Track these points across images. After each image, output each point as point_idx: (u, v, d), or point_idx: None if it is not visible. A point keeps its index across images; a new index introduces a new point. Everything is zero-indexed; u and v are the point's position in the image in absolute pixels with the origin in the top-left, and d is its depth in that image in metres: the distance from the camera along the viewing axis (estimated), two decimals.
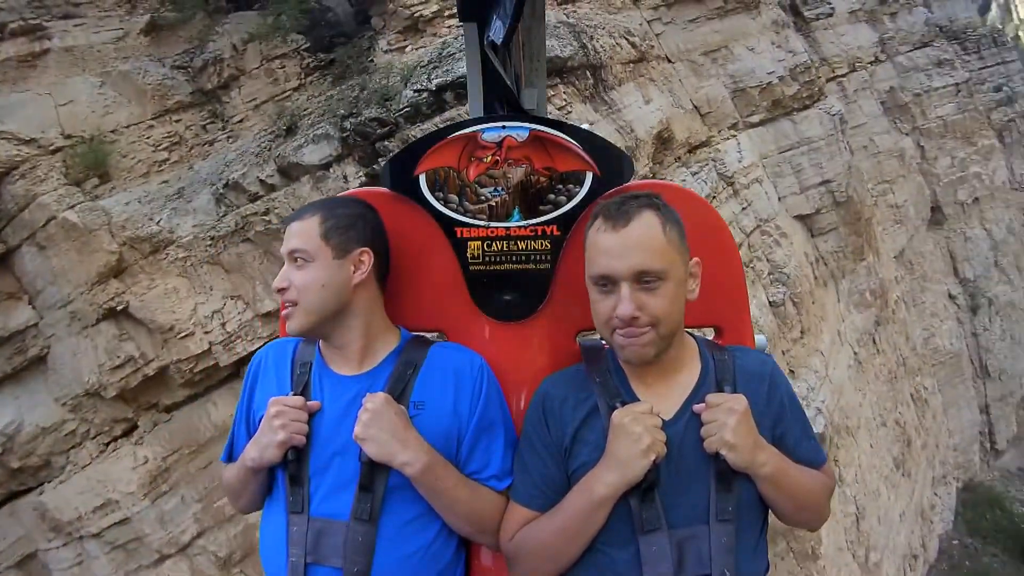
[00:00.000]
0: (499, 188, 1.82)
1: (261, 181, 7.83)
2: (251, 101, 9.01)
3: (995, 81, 22.75)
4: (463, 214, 1.84)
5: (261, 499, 1.75)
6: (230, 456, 1.81)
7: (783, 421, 1.59)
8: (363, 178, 7.49)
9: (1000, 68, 23.07)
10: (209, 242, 7.70)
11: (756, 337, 1.86)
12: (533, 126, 1.81)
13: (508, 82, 1.74)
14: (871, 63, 17.92)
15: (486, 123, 1.83)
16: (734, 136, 11.88)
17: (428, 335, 1.85)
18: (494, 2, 1.69)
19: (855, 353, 13.35)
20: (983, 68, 22.54)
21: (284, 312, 1.69)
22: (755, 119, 12.70)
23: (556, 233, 1.82)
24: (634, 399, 1.56)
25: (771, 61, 12.97)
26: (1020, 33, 50.40)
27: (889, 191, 17.26)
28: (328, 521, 1.60)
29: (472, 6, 1.74)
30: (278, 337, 1.88)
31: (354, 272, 1.69)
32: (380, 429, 1.55)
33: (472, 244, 1.85)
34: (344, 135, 7.66)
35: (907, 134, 19.05)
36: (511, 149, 1.81)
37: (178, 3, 9.09)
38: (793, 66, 13.20)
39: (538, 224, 1.82)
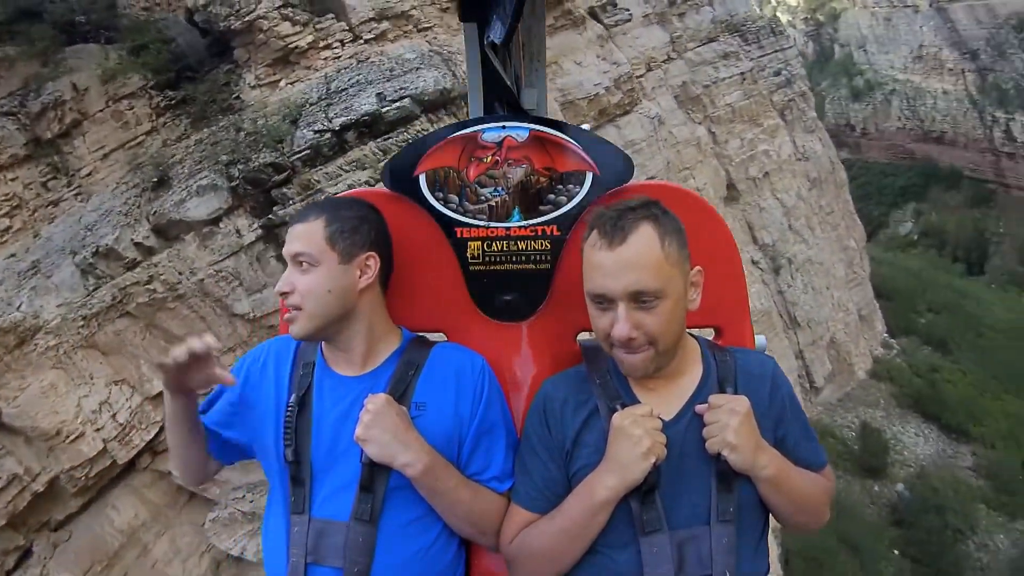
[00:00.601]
0: (499, 188, 1.82)
1: (137, 244, 6.98)
2: (98, 150, 8.07)
3: (775, 67, 24.88)
4: (463, 214, 1.84)
5: (203, 466, 1.81)
6: (208, 409, 1.81)
7: (784, 423, 1.60)
8: (259, 231, 6.87)
9: (779, 55, 25.22)
10: (81, 323, 6.84)
11: (756, 337, 1.88)
12: (533, 126, 1.81)
13: (508, 82, 1.74)
14: (664, 62, 19.26)
15: (486, 123, 1.82)
16: None
17: (429, 336, 1.84)
18: (494, 2, 1.67)
19: None
20: (763, 56, 24.53)
21: (286, 316, 1.65)
22: (584, 128, 13.45)
23: (556, 233, 1.83)
24: (634, 401, 1.57)
25: (597, 73, 13.66)
26: (778, 14, 54.02)
27: (690, 176, 18.59)
28: (329, 522, 1.60)
29: (472, 6, 1.71)
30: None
31: (360, 277, 1.67)
32: (381, 430, 1.55)
33: (472, 244, 1.85)
34: (233, 184, 7.01)
35: (700, 123, 20.58)
36: (511, 149, 1.81)
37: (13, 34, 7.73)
38: (617, 76, 13.90)
39: (538, 224, 1.83)
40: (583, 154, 1.81)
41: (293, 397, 1.67)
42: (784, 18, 56.96)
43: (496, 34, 1.66)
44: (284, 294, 1.62)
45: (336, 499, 1.61)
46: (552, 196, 1.83)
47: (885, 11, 53.55)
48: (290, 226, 1.67)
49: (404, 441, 1.56)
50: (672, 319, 1.49)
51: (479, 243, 1.85)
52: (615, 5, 16.84)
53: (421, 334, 1.82)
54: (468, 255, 1.85)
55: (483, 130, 1.82)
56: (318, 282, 1.62)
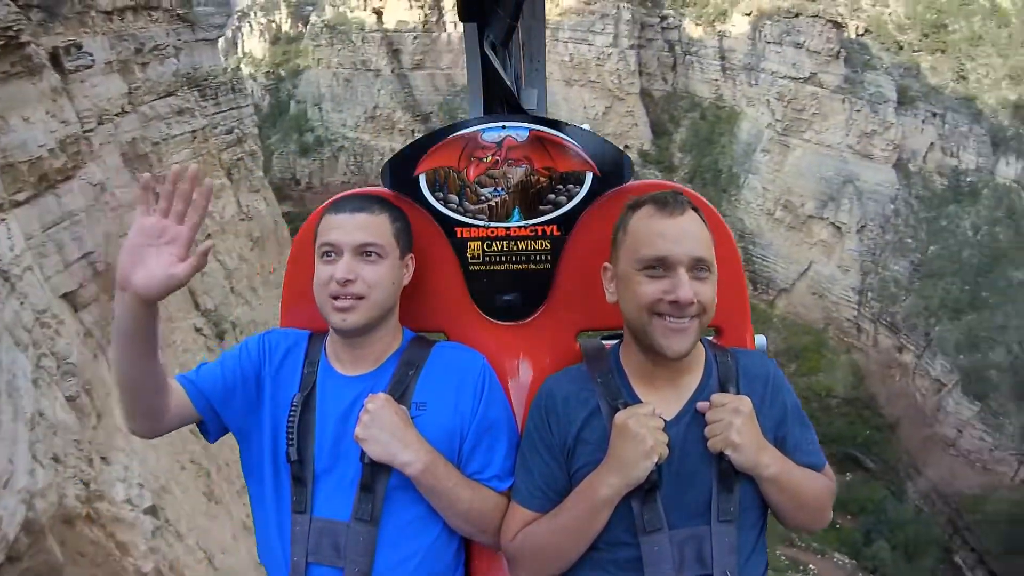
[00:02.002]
0: (499, 188, 1.82)
1: None
2: None
3: (228, 124, 24.27)
4: (463, 214, 1.84)
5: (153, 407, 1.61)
6: (197, 371, 1.72)
7: (785, 423, 1.60)
8: None
9: (234, 112, 24.70)
10: None
11: (756, 338, 1.88)
12: (533, 126, 1.81)
13: (508, 82, 1.74)
14: (117, 115, 17.51)
15: (486, 123, 1.82)
16: (2, 220, 10.18)
17: (430, 335, 1.84)
18: (494, 2, 1.67)
19: None
20: (218, 113, 23.79)
21: (344, 304, 1.61)
22: (22, 197, 11.64)
23: (556, 233, 1.82)
24: (635, 400, 1.57)
25: (44, 132, 12.27)
26: (243, 66, 57.17)
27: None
28: (330, 521, 1.60)
29: (472, 6, 1.71)
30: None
31: (405, 273, 1.71)
32: (380, 429, 1.55)
33: (472, 244, 1.84)
34: None
35: None
36: (511, 149, 1.81)
37: None
38: (64, 136, 12.67)
39: (538, 224, 1.82)
40: (583, 154, 1.81)
41: (298, 396, 1.67)
42: (247, 71, 59.57)
43: (496, 34, 1.66)
44: (348, 281, 1.60)
45: (337, 499, 1.61)
46: (552, 196, 1.82)
47: (347, 72, 56.61)
48: (339, 214, 1.65)
49: (404, 440, 1.56)
50: (714, 294, 1.52)
51: (479, 243, 1.84)
52: (79, 47, 15.10)
53: (421, 334, 1.82)
54: (468, 255, 1.85)
55: (483, 130, 1.81)
56: (386, 274, 1.64)
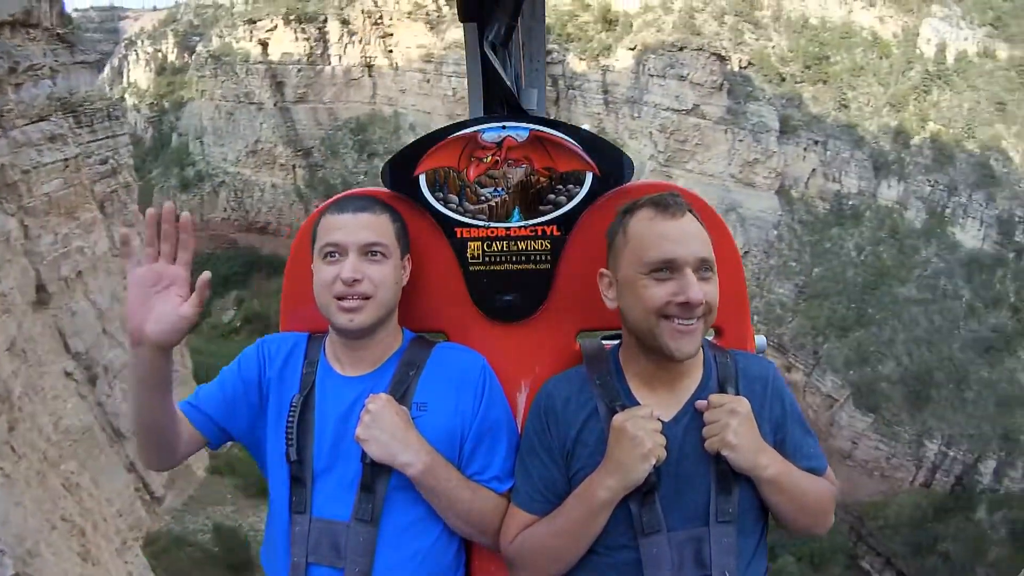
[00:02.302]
0: (499, 188, 1.82)
1: None
2: None
3: (103, 154, 23.18)
4: (463, 214, 1.83)
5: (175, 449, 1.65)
6: (196, 396, 1.72)
7: (784, 426, 1.60)
8: None
9: (110, 141, 23.63)
10: None
11: (756, 339, 1.89)
12: (533, 126, 1.81)
13: (508, 82, 1.74)
14: None
15: (486, 123, 1.82)
16: None
17: (430, 336, 1.84)
18: (494, 2, 1.68)
19: None
20: (94, 141, 22.74)
21: (351, 304, 1.60)
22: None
23: (556, 233, 1.82)
24: (634, 402, 1.57)
25: None
26: (127, 96, 57.17)
27: None
28: (330, 522, 1.60)
29: (472, 6, 1.71)
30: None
31: (404, 273, 1.72)
32: (381, 430, 1.55)
33: (472, 244, 1.84)
34: None
35: (12, 214, 17.94)
36: (511, 149, 1.81)
37: None
38: None
39: (538, 224, 1.83)
40: (583, 154, 1.81)
41: (297, 396, 1.66)
42: (131, 101, 59.51)
43: (496, 34, 1.66)
44: (355, 282, 1.59)
45: (337, 499, 1.61)
46: (552, 196, 1.83)
47: (230, 106, 56.41)
48: (342, 214, 1.64)
49: (404, 441, 1.56)
50: (717, 296, 1.53)
51: (479, 243, 1.84)
52: None
53: (422, 334, 1.82)
54: (468, 255, 1.84)
55: (483, 130, 1.81)
56: (391, 273, 1.65)
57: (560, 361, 1.80)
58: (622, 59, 53.18)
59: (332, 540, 1.58)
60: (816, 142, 50.03)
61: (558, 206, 1.83)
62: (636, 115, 52.10)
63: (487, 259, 1.84)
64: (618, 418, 1.50)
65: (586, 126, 1.81)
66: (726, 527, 1.49)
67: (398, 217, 1.71)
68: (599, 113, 53.78)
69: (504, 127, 1.81)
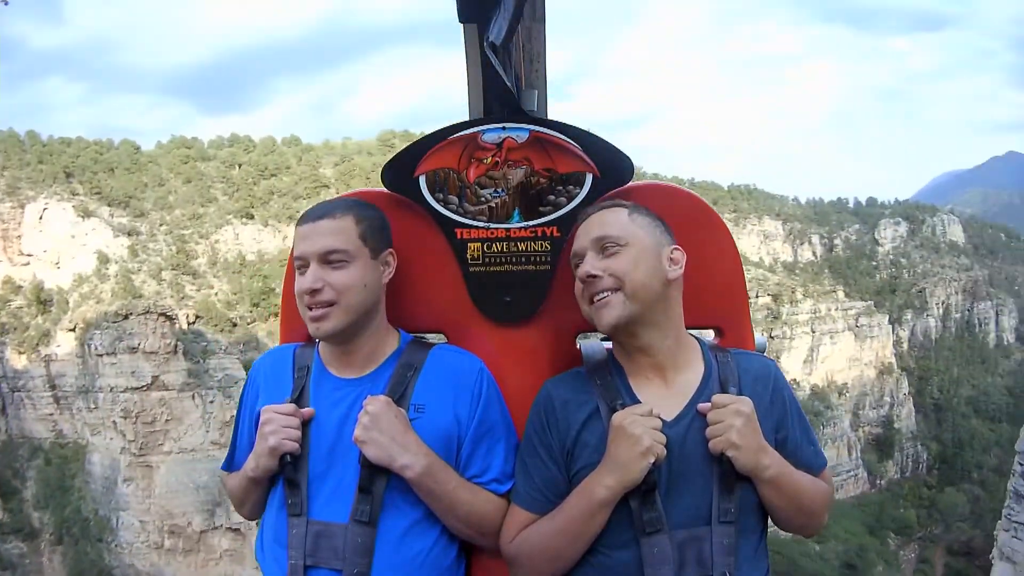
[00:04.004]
0: (499, 189, 1.82)
1: None
2: None
3: None
4: (463, 215, 1.83)
5: (265, 506, 1.73)
6: (230, 464, 1.81)
7: (785, 425, 1.60)
8: None
9: None
10: None
11: (755, 338, 1.88)
12: (533, 127, 1.80)
13: (508, 83, 1.74)
14: None
15: (486, 124, 1.81)
16: None
17: (429, 337, 1.84)
18: (494, 2, 1.67)
19: None
20: None
21: (316, 313, 1.62)
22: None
23: (556, 234, 1.82)
24: (635, 401, 1.57)
25: None
26: None
27: None
28: (328, 524, 1.59)
29: (472, 6, 1.70)
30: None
31: (384, 272, 1.70)
32: (380, 432, 1.55)
33: (472, 245, 1.84)
34: None
35: None
36: (511, 150, 1.81)
37: None
38: None
39: (538, 225, 1.82)
40: (583, 155, 1.81)
41: (288, 399, 1.67)
42: None
43: (496, 35, 1.65)
44: (314, 291, 1.60)
45: (335, 501, 1.60)
46: (552, 197, 1.82)
47: None
48: (304, 224, 1.66)
49: (403, 443, 1.56)
50: (636, 264, 1.56)
51: (479, 244, 1.84)
52: None
53: (419, 336, 1.82)
54: (468, 256, 1.84)
55: (483, 131, 1.81)
56: (354, 277, 1.62)
57: (560, 362, 1.80)
58: (64, 343, 47.28)
59: (330, 542, 1.58)
60: None
61: (558, 207, 1.83)
62: (93, 405, 45.14)
63: (487, 260, 1.84)
64: (617, 416, 1.50)
65: (585, 126, 1.79)
66: (727, 527, 1.49)
67: (367, 215, 1.68)
68: (51, 414, 47.43)
69: (504, 128, 1.81)
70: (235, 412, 1.85)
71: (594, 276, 1.56)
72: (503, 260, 1.84)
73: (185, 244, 61.46)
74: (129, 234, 59.04)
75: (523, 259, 1.84)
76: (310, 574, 1.58)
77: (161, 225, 62.32)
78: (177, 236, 61.65)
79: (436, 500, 1.59)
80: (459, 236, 1.83)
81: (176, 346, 44.95)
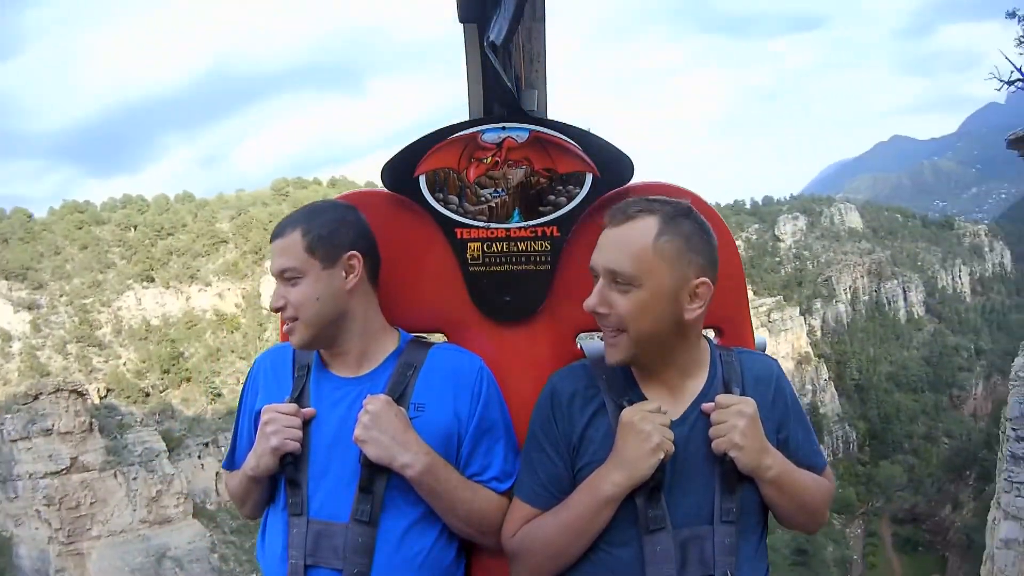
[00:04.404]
0: (499, 189, 1.82)
1: None
2: None
3: None
4: (463, 215, 1.83)
5: (266, 505, 1.74)
6: (231, 463, 1.81)
7: (787, 425, 1.61)
8: None
9: None
10: None
11: (756, 338, 1.89)
12: (533, 127, 1.81)
13: (508, 83, 1.74)
14: None
15: (486, 124, 1.82)
16: None
17: (428, 337, 1.83)
18: (494, 2, 1.67)
19: None
20: None
21: (285, 328, 1.68)
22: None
23: (556, 234, 1.82)
24: (642, 397, 1.56)
25: None
26: None
27: None
28: (328, 523, 1.59)
29: (472, 6, 1.71)
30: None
31: (346, 277, 1.67)
32: (380, 431, 1.55)
33: (472, 245, 1.84)
34: None
35: None
36: (511, 150, 1.81)
37: None
38: None
39: (538, 225, 1.82)
40: (583, 155, 1.81)
41: (288, 399, 1.67)
42: None
43: (496, 35, 1.65)
44: (278, 309, 1.64)
45: (335, 500, 1.60)
46: (552, 197, 1.82)
47: None
48: (271, 243, 1.68)
49: (403, 442, 1.55)
50: (645, 311, 1.47)
51: (479, 244, 1.84)
52: None
53: (419, 335, 1.81)
54: (468, 256, 1.84)
55: (483, 131, 1.81)
56: (306, 292, 1.63)
57: (560, 362, 1.79)
58: None
59: (330, 541, 1.58)
60: (207, 444, 48.77)
61: (558, 207, 1.83)
62: (13, 495, 42.55)
63: (487, 260, 1.84)
64: (626, 413, 1.50)
65: (585, 126, 1.79)
66: (729, 527, 1.49)
67: (316, 225, 1.66)
68: None
69: (504, 128, 1.81)
70: (236, 411, 1.85)
71: (598, 313, 1.51)
72: (503, 260, 1.84)
73: (88, 314, 60.62)
74: (29, 308, 58.35)
75: (523, 259, 1.84)
76: (310, 573, 1.58)
77: (61, 296, 61.42)
78: (79, 306, 60.90)
79: (437, 499, 1.59)
80: (459, 236, 1.83)
81: (91, 423, 43.09)
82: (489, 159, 1.81)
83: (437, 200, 1.82)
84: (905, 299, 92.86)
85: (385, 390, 1.64)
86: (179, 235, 69.71)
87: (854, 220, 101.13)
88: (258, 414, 1.67)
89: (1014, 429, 13.52)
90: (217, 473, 47.67)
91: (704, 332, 1.80)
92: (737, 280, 1.87)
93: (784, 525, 1.63)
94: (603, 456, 1.52)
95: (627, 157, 1.83)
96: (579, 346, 1.88)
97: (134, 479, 42.96)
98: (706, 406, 1.53)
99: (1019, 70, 16.43)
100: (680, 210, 1.52)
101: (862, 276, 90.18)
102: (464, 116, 1.91)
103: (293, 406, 1.64)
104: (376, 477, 1.58)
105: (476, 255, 1.84)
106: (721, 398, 1.53)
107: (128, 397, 53.14)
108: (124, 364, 57.57)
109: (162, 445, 44.91)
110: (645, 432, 1.45)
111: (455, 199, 1.82)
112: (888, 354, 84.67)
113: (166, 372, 57.66)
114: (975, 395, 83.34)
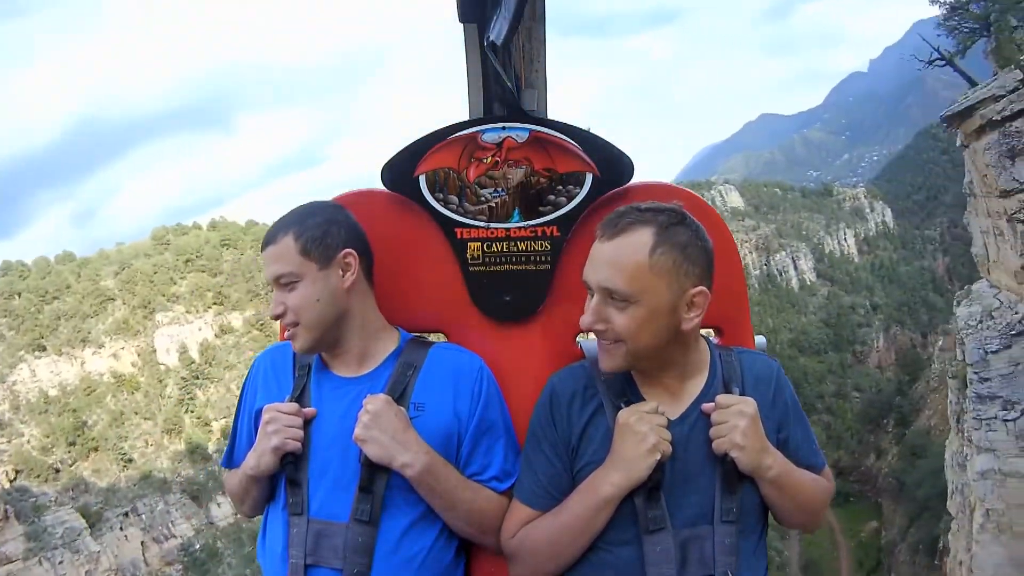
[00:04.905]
0: (499, 189, 1.82)
1: None
2: None
3: None
4: (463, 215, 1.83)
5: (264, 503, 1.74)
6: (230, 461, 1.81)
7: (787, 425, 1.61)
8: None
9: None
10: None
11: (756, 338, 1.89)
12: (533, 127, 1.81)
13: (508, 83, 1.74)
14: None
15: (486, 124, 1.82)
16: None
17: (428, 336, 1.84)
18: (494, 3, 1.68)
19: None
20: None
21: (286, 335, 1.68)
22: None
23: (556, 234, 1.82)
24: (640, 398, 1.56)
25: None
26: None
27: None
28: (328, 523, 1.59)
29: (472, 6, 1.71)
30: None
31: (343, 276, 1.67)
32: (380, 430, 1.55)
33: (472, 245, 1.84)
34: None
35: None
36: (511, 150, 1.81)
37: None
38: None
39: (538, 225, 1.83)
40: (583, 155, 1.81)
41: (289, 398, 1.67)
42: None
43: (496, 35, 1.65)
44: (278, 316, 1.64)
45: (335, 500, 1.60)
46: (552, 197, 1.83)
47: None
48: (262, 251, 1.68)
49: (403, 441, 1.56)
50: (643, 326, 1.46)
51: (479, 244, 1.84)
52: None
53: (419, 335, 1.81)
54: (468, 256, 1.85)
55: (483, 131, 1.81)
56: (305, 295, 1.63)
57: (560, 362, 1.79)
58: None
59: (330, 541, 1.58)
60: (126, 513, 48.27)
61: (558, 207, 1.83)
62: None
63: (487, 260, 1.84)
64: (623, 414, 1.50)
65: (585, 127, 1.79)
66: (729, 527, 1.49)
67: (308, 226, 1.65)
68: None
69: (504, 128, 1.81)
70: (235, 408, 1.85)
71: (595, 329, 1.50)
72: (503, 260, 1.84)
73: None
74: None
75: (523, 259, 1.84)
76: (310, 573, 1.58)
77: None
78: None
79: (437, 498, 1.59)
80: (459, 236, 1.83)
81: (5, 511, 39.90)
82: (489, 159, 1.81)
83: (437, 200, 1.82)
84: (796, 268, 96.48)
85: (385, 390, 1.64)
86: (65, 298, 67.67)
87: (735, 200, 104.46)
88: (258, 413, 1.67)
89: (976, 372, 14.87)
90: (143, 543, 47.82)
91: (704, 332, 1.81)
92: (737, 280, 1.87)
93: (783, 524, 1.63)
94: (602, 457, 1.52)
95: (627, 157, 1.83)
96: (579, 346, 1.88)
97: (60, 563, 40.34)
98: (706, 406, 1.53)
99: (936, 50, 19.43)
100: (673, 217, 1.48)
101: (751, 252, 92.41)
102: (459, 117, 1.91)
103: (294, 406, 1.64)
104: (376, 477, 1.58)
105: (476, 255, 1.84)
106: (721, 398, 1.53)
107: (38, 476, 51.52)
108: (28, 442, 55.62)
109: (82, 522, 43.23)
110: (642, 433, 1.46)
111: (455, 199, 1.82)
112: (787, 322, 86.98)
113: (72, 444, 55.89)
114: (877, 348, 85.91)
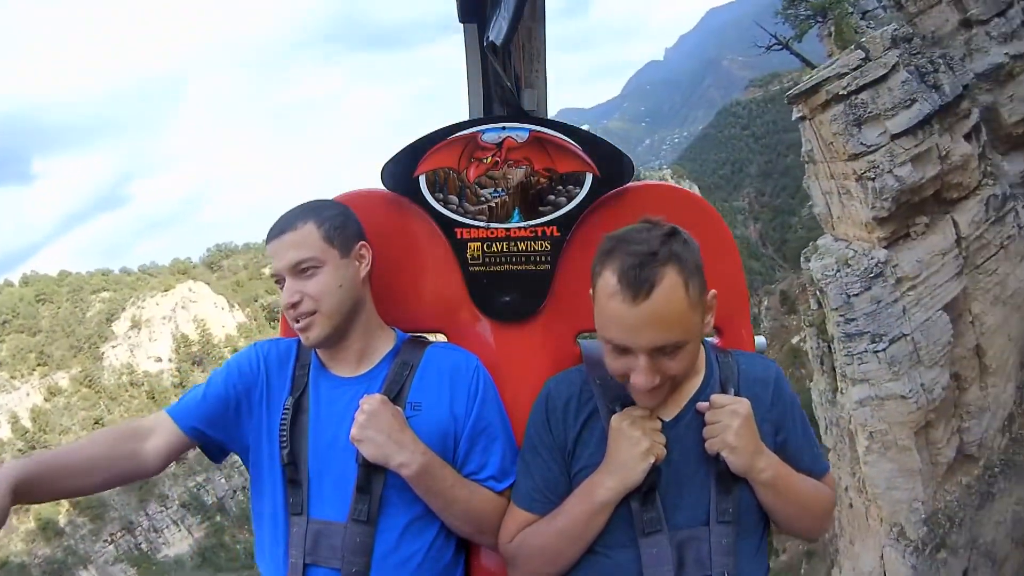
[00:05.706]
0: (499, 189, 1.82)
1: None
2: None
3: None
4: (463, 215, 1.83)
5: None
6: (176, 410, 1.68)
7: (785, 428, 1.59)
8: None
9: None
10: None
11: (756, 339, 1.88)
12: (533, 127, 1.81)
13: (508, 83, 1.75)
14: None
15: (486, 124, 1.82)
16: None
17: (426, 336, 1.83)
18: (494, 3, 1.68)
19: None
20: None
21: (300, 325, 1.63)
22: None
23: (556, 234, 1.82)
24: (634, 402, 1.54)
25: None
26: None
27: None
28: (327, 523, 1.59)
29: (472, 7, 1.72)
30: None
31: (359, 266, 1.68)
32: (376, 430, 1.55)
33: (472, 245, 1.84)
34: None
35: None
36: (511, 150, 1.81)
37: None
38: None
39: (538, 225, 1.82)
40: (583, 155, 1.81)
41: (289, 399, 1.66)
42: None
43: (496, 35, 1.66)
44: (294, 305, 1.61)
45: (333, 500, 1.60)
46: (552, 197, 1.82)
47: None
48: (271, 242, 1.65)
49: (399, 441, 1.55)
50: (692, 358, 1.45)
51: (479, 244, 1.84)
52: None
53: (415, 334, 1.81)
54: (468, 256, 1.84)
55: (483, 131, 1.81)
56: (327, 281, 1.62)
57: (560, 362, 1.79)
58: None
59: (329, 541, 1.58)
60: None
61: (558, 207, 1.83)
62: None
63: (487, 260, 1.84)
64: (616, 418, 1.50)
65: (585, 127, 1.80)
66: (726, 527, 1.48)
67: (329, 216, 1.65)
68: None
69: (504, 128, 1.81)
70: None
71: (648, 388, 1.43)
72: (503, 260, 1.84)
73: None
74: None
75: (523, 259, 1.84)
76: (310, 573, 1.58)
77: None
78: None
79: (434, 498, 1.59)
80: (459, 236, 1.83)
81: None
82: (489, 159, 1.81)
83: (437, 200, 1.82)
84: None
85: (381, 389, 1.63)
86: None
87: None
88: (261, 394, 1.66)
89: (842, 315, 16.82)
90: None
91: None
92: (737, 281, 1.87)
93: (782, 530, 1.61)
94: (598, 460, 1.51)
95: (627, 157, 1.83)
96: (579, 346, 1.87)
97: None
98: (700, 405, 1.53)
99: (774, 36, 20.81)
100: (678, 240, 1.41)
101: None
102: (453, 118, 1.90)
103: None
104: (373, 476, 1.58)
105: (476, 255, 1.84)
106: (716, 398, 1.52)
107: None
108: None
109: None
110: (635, 437, 1.45)
111: (455, 199, 1.82)
112: None
113: None
114: None
